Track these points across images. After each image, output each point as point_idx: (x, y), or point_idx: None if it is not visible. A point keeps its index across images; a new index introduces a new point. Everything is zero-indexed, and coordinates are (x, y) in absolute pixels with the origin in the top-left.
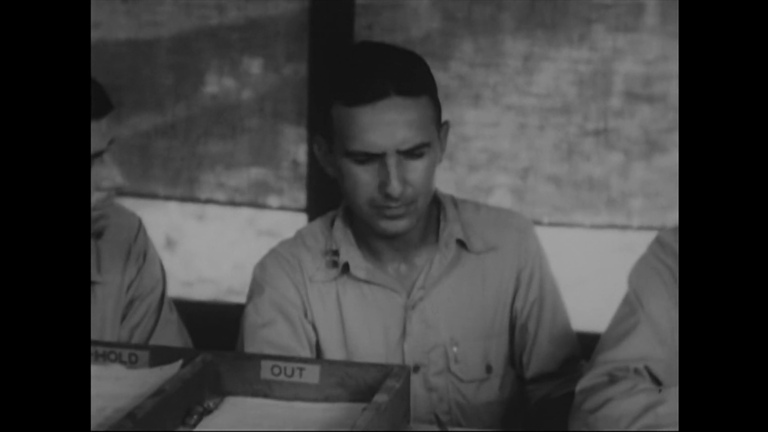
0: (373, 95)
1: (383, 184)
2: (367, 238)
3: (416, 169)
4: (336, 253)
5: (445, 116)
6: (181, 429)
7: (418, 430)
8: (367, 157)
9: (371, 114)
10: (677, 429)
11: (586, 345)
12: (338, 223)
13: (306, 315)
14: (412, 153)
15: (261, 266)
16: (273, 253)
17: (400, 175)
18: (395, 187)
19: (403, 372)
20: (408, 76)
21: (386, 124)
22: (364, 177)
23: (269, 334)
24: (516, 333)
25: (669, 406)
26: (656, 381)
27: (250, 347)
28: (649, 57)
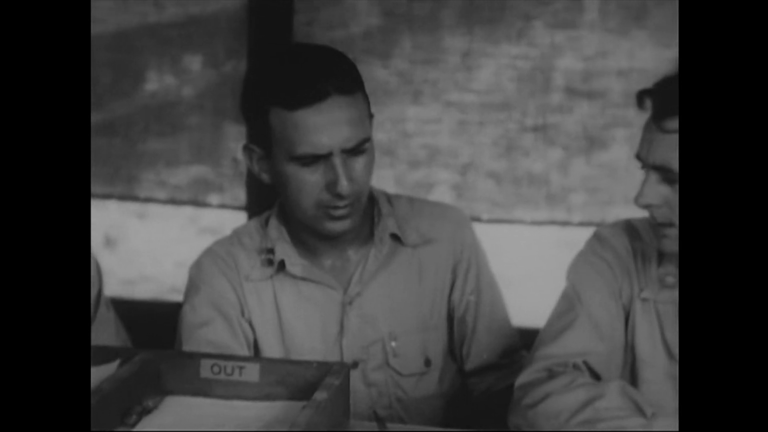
0: (316, 97)
1: (332, 184)
2: (302, 235)
3: (360, 165)
4: (271, 251)
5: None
6: (120, 429)
7: (359, 427)
8: (313, 159)
9: (315, 115)
10: (616, 423)
11: (528, 340)
12: (273, 222)
13: (243, 314)
14: (355, 150)
15: (197, 266)
16: (208, 252)
17: (347, 173)
18: (344, 185)
19: (343, 369)
20: (344, 74)
21: (331, 124)
22: (310, 179)
23: (207, 333)
24: (455, 325)
25: (608, 401)
26: (595, 376)
27: (188, 347)
28: (588, 53)
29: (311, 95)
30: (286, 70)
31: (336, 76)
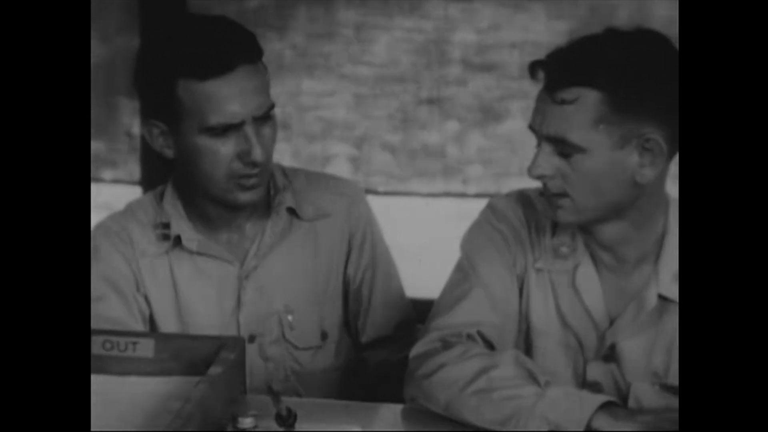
0: (226, 66)
1: (245, 153)
2: (201, 209)
3: (268, 133)
4: (167, 226)
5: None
6: None
7: (255, 401)
8: (225, 129)
9: (227, 85)
10: (510, 392)
11: (425, 312)
12: (168, 196)
13: (138, 288)
14: (264, 117)
15: None
16: (101, 226)
17: (259, 140)
18: (258, 152)
19: (238, 343)
20: (248, 43)
21: (241, 93)
22: (222, 150)
23: (100, 308)
24: (350, 298)
25: (502, 370)
26: (490, 345)
27: None
28: (482, 26)
29: (222, 65)
30: (192, 42)
31: (242, 45)
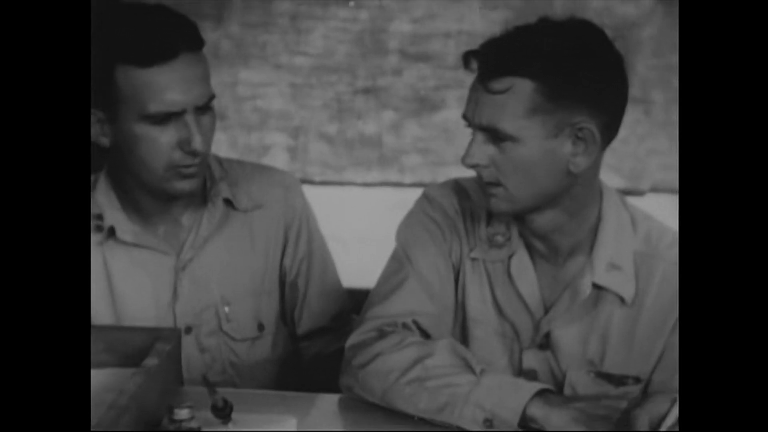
0: (169, 54)
1: (185, 142)
2: (137, 200)
3: (207, 122)
4: (100, 217)
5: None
6: None
7: (191, 393)
8: (165, 118)
9: (168, 72)
10: (446, 380)
11: (361, 302)
12: (101, 187)
13: None
14: (204, 107)
15: None
16: None
17: (200, 130)
18: (199, 141)
19: (174, 334)
20: (191, 31)
21: (183, 81)
22: (162, 138)
23: None
24: (286, 290)
25: (437, 359)
26: (425, 335)
27: None
28: (417, 15)
29: (165, 52)
30: (133, 29)
31: (184, 33)
